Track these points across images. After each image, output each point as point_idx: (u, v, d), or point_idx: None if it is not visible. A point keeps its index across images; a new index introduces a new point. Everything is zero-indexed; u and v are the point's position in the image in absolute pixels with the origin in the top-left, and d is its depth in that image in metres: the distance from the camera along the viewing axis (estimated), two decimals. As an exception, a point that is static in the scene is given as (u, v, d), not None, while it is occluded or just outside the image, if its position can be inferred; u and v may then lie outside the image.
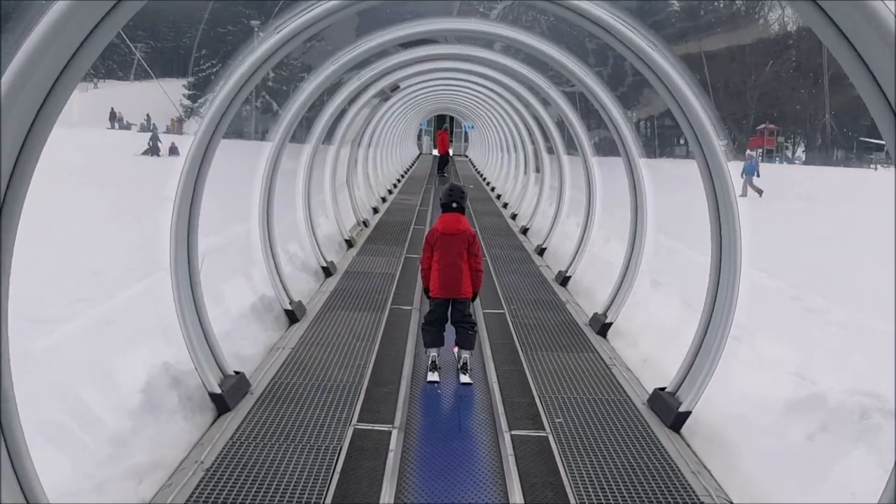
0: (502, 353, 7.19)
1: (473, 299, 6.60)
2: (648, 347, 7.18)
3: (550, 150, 14.79)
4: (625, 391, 6.29)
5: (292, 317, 8.09)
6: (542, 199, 16.00)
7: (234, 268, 8.37)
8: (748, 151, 40.94)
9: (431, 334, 6.48)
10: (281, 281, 8.20)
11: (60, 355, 5.51)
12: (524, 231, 15.55)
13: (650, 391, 6.08)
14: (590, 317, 8.53)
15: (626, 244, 8.26)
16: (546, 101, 11.71)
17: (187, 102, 78.43)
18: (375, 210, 18.34)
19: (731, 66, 69.65)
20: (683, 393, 5.63)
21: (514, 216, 18.12)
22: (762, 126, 70.37)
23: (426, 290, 6.62)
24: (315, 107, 8.64)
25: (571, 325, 8.39)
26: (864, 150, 78.10)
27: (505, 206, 20.74)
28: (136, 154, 38.93)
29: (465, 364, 6.42)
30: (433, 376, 6.37)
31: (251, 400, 5.73)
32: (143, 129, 66.08)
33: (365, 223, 15.57)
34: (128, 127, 67.48)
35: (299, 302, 8.41)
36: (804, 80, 73.58)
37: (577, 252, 10.71)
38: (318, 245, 10.70)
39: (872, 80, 2.99)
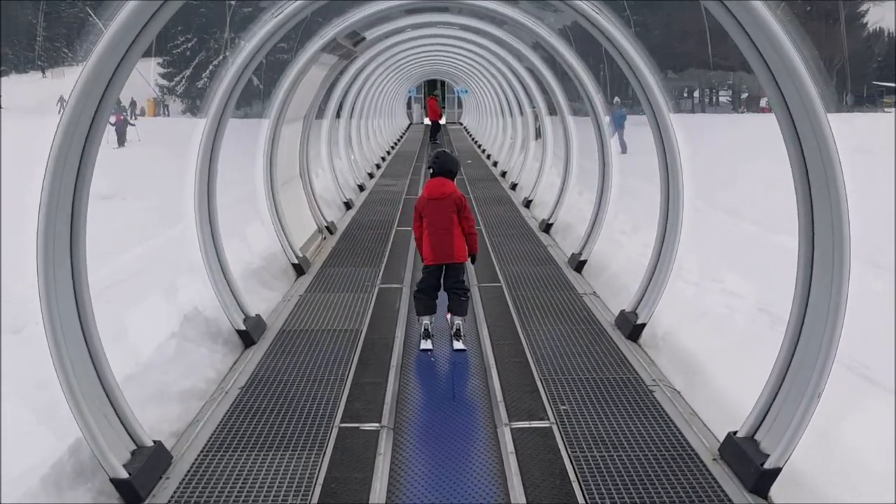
0: None
1: (473, 262, 6.63)
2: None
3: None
4: None
5: (129, 494, 3.96)
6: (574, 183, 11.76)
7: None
8: (615, 99, 35.57)
9: (424, 302, 6.37)
10: (112, 410, 4.08)
11: None
12: (546, 228, 11.37)
13: None
14: (721, 440, 4.44)
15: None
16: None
17: (163, 82, 73.04)
18: (348, 205, 14.08)
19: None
20: None
21: (527, 203, 13.89)
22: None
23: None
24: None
25: (684, 453, 4.28)
26: (876, 95, 73.49)
27: (513, 187, 16.51)
28: (114, 148, 30.16)
29: (458, 330, 6.37)
30: (426, 344, 6.27)
31: None
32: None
33: (329, 229, 11.36)
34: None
35: (156, 447, 4.25)
36: (816, 24, 68.64)
37: (648, 284, 6.57)
38: (231, 292, 6.56)
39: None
